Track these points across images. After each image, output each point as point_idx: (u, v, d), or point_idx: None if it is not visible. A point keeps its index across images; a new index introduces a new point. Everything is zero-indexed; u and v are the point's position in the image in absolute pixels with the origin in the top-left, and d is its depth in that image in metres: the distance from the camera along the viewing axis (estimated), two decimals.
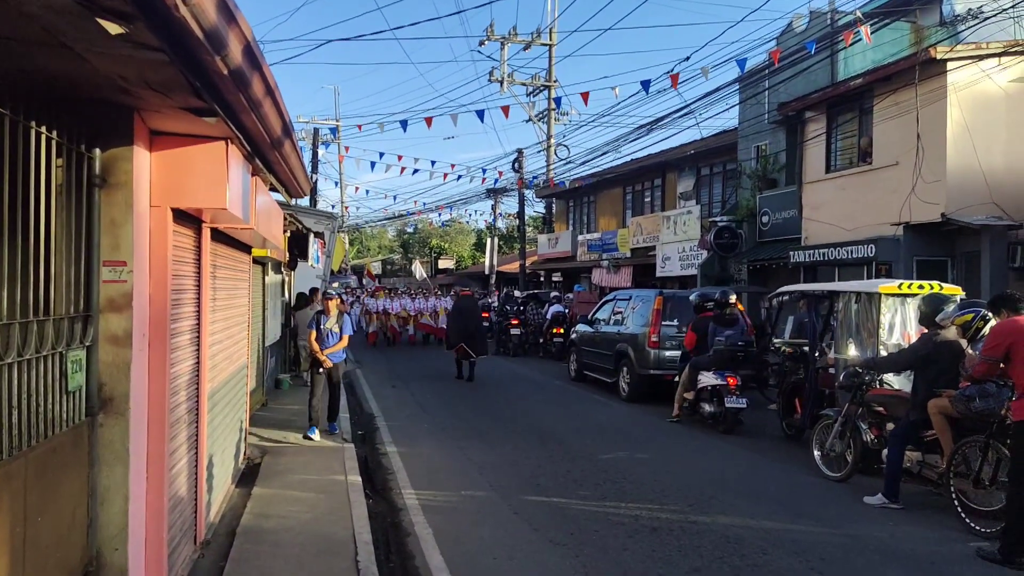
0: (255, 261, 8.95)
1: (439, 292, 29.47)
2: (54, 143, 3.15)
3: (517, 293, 25.64)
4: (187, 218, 4.44)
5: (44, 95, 3.08)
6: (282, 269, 13.26)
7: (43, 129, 3.05)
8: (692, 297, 11.72)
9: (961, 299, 7.81)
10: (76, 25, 2.30)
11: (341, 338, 9.36)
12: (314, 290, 14.72)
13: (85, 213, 3.47)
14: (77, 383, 3.42)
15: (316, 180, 29.66)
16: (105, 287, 3.56)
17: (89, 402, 3.52)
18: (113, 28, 2.23)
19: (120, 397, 3.58)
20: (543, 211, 35.77)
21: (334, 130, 32.81)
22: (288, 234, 11.37)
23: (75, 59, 2.74)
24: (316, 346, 9.28)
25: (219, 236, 5.59)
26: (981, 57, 13.13)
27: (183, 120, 3.53)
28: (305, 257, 13.28)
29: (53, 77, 3.02)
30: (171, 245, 3.97)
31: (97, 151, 3.50)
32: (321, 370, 9.31)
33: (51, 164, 3.13)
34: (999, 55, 13.11)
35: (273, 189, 6.36)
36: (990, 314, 6.41)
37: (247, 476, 7.18)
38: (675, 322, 12.45)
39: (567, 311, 20.61)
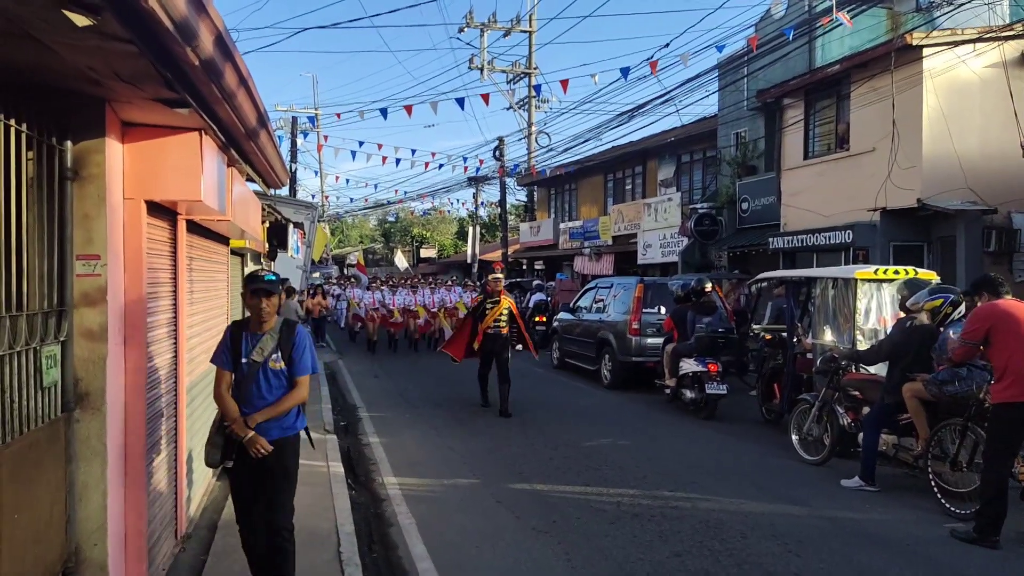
0: (233, 252, 8.86)
1: (438, 282, 23.86)
2: (24, 136, 3.10)
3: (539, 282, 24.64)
4: (162, 210, 4.39)
5: (12, 87, 3.03)
6: (262, 260, 13.15)
7: (12, 122, 3.00)
8: (672, 286, 11.81)
9: (936, 284, 7.91)
10: (42, 16, 2.26)
11: (295, 385, 4.24)
12: (283, 281, 14.52)
13: (57, 207, 3.43)
14: (52, 379, 3.38)
15: (295, 170, 29.41)
16: (79, 281, 3.52)
17: (65, 398, 3.48)
18: (80, 20, 2.20)
19: (96, 392, 3.55)
20: (525, 199, 35.77)
21: (313, 119, 32.57)
22: (267, 224, 11.27)
23: (43, 50, 2.70)
24: (230, 405, 4.14)
25: (195, 228, 5.53)
26: (956, 43, 13.24)
27: (155, 111, 3.49)
28: (285, 248, 13.18)
29: (21, 68, 2.97)
30: (145, 238, 3.92)
31: (68, 143, 3.45)
32: (231, 464, 4.24)
33: (21, 157, 3.09)
34: (974, 41, 13.23)
35: (250, 179, 6.32)
36: (961, 300, 6.50)
37: (228, 469, 7.13)
38: (656, 309, 12.52)
39: (549, 299, 20.66)
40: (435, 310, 18.98)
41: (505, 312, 10.60)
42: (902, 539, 5.57)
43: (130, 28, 2.35)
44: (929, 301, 6.75)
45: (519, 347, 10.97)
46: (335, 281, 30.32)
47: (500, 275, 11.01)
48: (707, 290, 10.74)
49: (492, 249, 37.01)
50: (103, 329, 3.54)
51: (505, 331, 10.53)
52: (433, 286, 20.55)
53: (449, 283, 23.14)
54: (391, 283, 21.63)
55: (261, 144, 4.52)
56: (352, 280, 28.73)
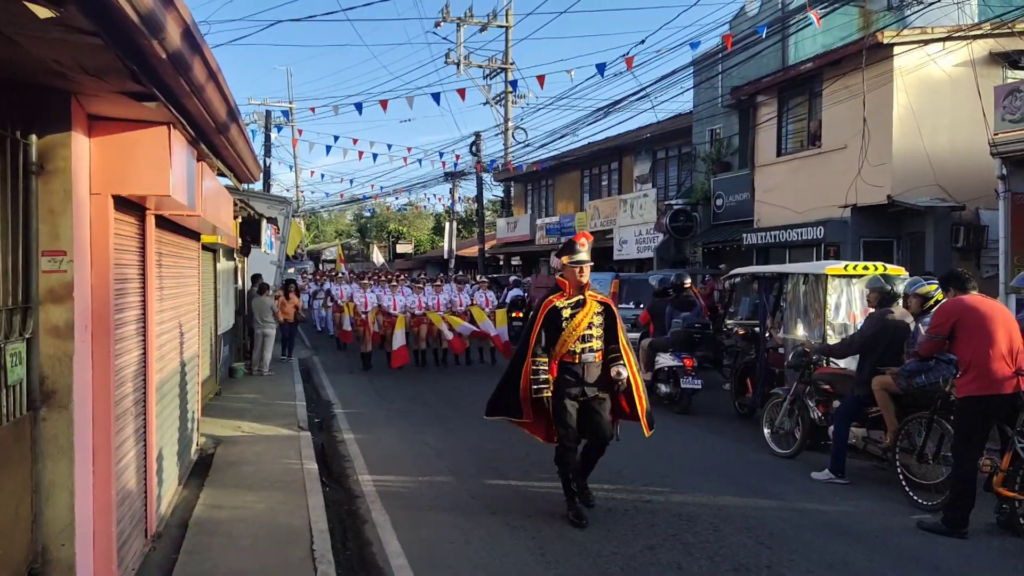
0: (205, 248, 8.78)
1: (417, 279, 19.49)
2: None
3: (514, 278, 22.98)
4: (130, 205, 4.33)
5: None
6: (235, 255, 13.04)
7: None
8: (652, 280, 11.90)
9: (907, 278, 8.03)
10: (1, 7, 2.21)
11: None
12: (256, 277, 14.28)
13: (22, 201, 3.37)
14: (17, 376, 3.33)
15: (269, 164, 29.15)
16: (45, 277, 3.46)
17: (31, 396, 3.43)
18: (42, 12, 2.16)
19: (63, 390, 3.49)
20: (501, 195, 35.73)
21: (287, 113, 32.25)
22: (239, 220, 11.18)
23: (5, 43, 2.65)
24: None
25: (165, 223, 5.47)
26: (926, 42, 13.46)
27: (123, 105, 3.44)
28: (258, 243, 13.10)
29: None
30: (113, 233, 3.87)
31: (33, 137, 3.39)
32: None
33: None
34: (943, 40, 13.45)
35: (221, 174, 6.25)
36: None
37: (200, 467, 7.08)
38: (631, 305, 12.59)
39: (526, 295, 20.67)
40: (441, 313, 14.30)
41: (598, 320, 5.78)
42: (871, 530, 5.66)
43: (95, 20, 2.31)
44: (924, 286, 6.84)
45: (623, 375, 5.68)
46: (310, 276, 29.87)
47: (586, 254, 5.77)
48: (686, 285, 10.84)
49: (469, 245, 36.96)
50: (69, 326, 3.49)
51: (600, 357, 5.77)
52: (438, 284, 15.67)
53: (455, 278, 17.72)
54: (386, 278, 17.16)
55: (232, 138, 4.48)
56: (335, 275, 24.30)
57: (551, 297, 5.87)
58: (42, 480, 3.48)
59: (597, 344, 5.75)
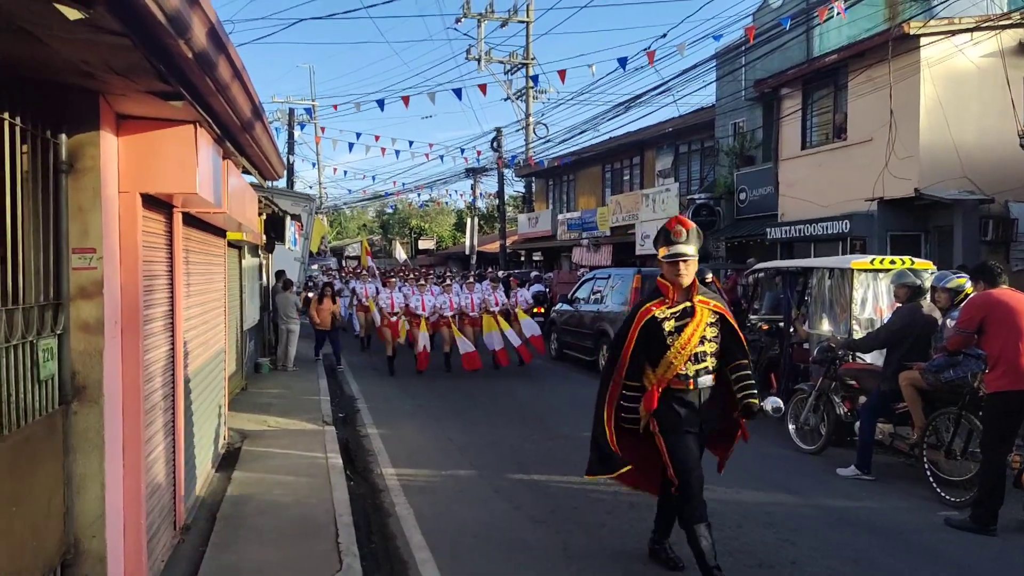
0: (231, 244, 8.89)
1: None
2: (18, 129, 3.09)
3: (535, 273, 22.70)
4: (157, 203, 4.40)
5: (5, 80, 3.03)
6: (259, 252, 13.18)
7: (6, 115, 3.00)
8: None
9: (935, 271, 7.92)
10: (32, 9, 2.26)
11: None
12: (280, 273, 14.43)
13: (52, 200, 3.43)
14: (49, 372, 3.39)
15: (292, 161, 29.38)
16: (75, 274, 3.52)
17: (62, 390, 3.49)
18: (71, 13, 2.20)
19: (93, 385, 3.56)
20: (523, 190, 35.73)
21: (310, 110, 32.46)
22: (264, 217, 11.30)
23: (35, 43, 2.69)
24: None
25: (192, 220, 5.54)
26: (954, 32, 13.22)
27: (150, 104, 3.49)
28: (282, 239, 13.23)
29: (13, 62, 2.97)
30: (141, 231, 3.93)
31: (63, 136, 3.45)
32: None
33: (16, 151, 3.08)
34: (971, 30, 13.21)
35: (246, 172, 6.32)
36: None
37: (227, 460, 7.17)
38: None
39: (547, 290, 20.67)
40: (474, 314, 13.78)
41: (711, 332, 4.49)
42: (897, 527, 5.60)
43: (123, 21, 2.35)
44: (953, 280, 6.78)
45: (771, 407, 5.08)
46: (333, 271, 29.75)
47: (686, 245, 4.41)
48: (708, 280, 10.77)
49: (490, 240, 36.98)
50: (99, 322, 3.55)
51: (715, 378, 4.54)
52: (470, 282, 14.78)
53: (491, 276, 17.24)
54: (412, 276, 15.99)
55: (256, 136, 4.53)
56: (360, 272, 22.79)
57: (648, 305, 4.51)
58: (73, 473, 3.54)
59: (712, 363, 4.48)
